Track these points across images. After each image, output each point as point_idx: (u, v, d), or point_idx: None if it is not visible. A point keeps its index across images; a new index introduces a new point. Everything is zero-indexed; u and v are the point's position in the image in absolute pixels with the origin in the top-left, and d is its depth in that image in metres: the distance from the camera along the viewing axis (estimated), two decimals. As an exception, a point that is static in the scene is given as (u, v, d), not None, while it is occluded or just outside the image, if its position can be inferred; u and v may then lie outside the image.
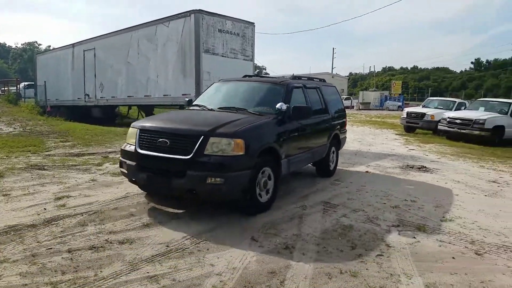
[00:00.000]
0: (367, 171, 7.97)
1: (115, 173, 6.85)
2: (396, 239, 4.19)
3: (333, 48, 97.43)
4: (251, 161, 4.57)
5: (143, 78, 14.08)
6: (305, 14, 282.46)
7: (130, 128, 5.14)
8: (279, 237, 4.14)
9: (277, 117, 5.41)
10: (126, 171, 5.00)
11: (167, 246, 3.83)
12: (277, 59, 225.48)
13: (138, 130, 4.89)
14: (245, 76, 7.24)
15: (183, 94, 12.16)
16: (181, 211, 4.94)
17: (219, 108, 5.81)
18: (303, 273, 3.32)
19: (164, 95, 13.18)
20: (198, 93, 11.61)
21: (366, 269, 3.45)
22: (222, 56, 12.16)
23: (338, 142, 7.78)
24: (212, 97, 6.46)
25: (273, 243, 3.98)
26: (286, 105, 5.55)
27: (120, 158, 5.15)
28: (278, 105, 5.43)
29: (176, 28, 12.45)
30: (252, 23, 12.97)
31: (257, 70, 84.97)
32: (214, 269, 3.36)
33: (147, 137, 4.77)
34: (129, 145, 5.02)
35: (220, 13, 12.15)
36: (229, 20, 12.25)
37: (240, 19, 12.69)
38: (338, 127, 7.65)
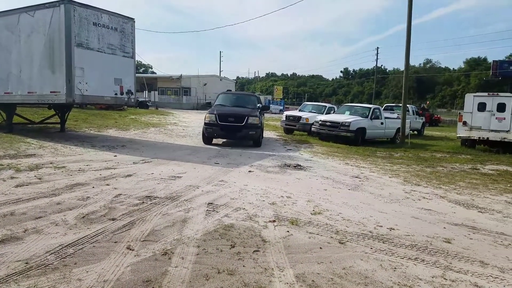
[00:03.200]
0: (249, 171, 8.29)
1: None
2: (272, 234, 4.42)
3: (220, 52, 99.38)
4: (260, 126, 12.61)
5: (3, 73, 12.18)
6: (191, 15, 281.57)
7: (209, 114, 12.32)
8: (158, 243, 3.99)
9: (259, 110, 13.41)
10: (211, 131, 12.25)
11: (27, 263, 3.37)
12: (164, 58, 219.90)
13: (216, 114, 12.08)
14: (228, 90, 17.65)
15: (51, 92, 10.89)
16: (44, 222, 4.39)
17: (234, 105, 13.61)
18: (180, 278, 3.25)
19: (28, 93, 11.59)
20: (70, 91, 10.58)
21: (243, 266, 3.56)
22: (98, 51, 11.25)
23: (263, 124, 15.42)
24: (225, 100, 14.11)
25: (151, 250, 3.81)
26: (261, 104, 14.47)
27: (206, 126, 12.32)
28: (258, 104, 13.91)
29: (42, 18, 11.08)
30: (132, 19, 12.31)
31: (142, 69, 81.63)
32: (82, 284, 3.06)
33: (222, 117, 12.08)
34: (211, 121, 12.15)
35: (95, 6, 11.24)
36: (105, 13, 11.39)
37: (118, 14, 11.92)
38: (264, 115, 16.01)
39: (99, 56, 11.29)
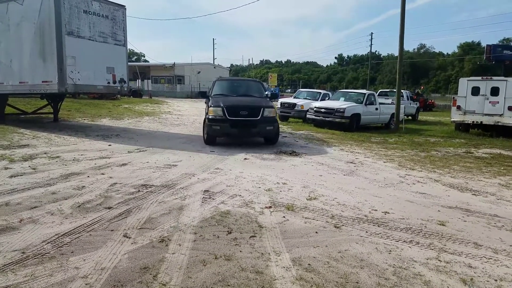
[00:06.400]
0: (245, 158, 8.29)
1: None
2: (268, 220, 4.45)
3: (213, 39, 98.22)
4: (276, 119, 10.40)
5: (-8, 63, 12.02)
6: (183, 2, 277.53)
7: (213, 108, 9.66)
8: (155, 231, 4.00)
9: (268, 98, 11.53)
10: (219, 129, 9.64)
11: (23, 252, 3.38)
12: (157, 46, 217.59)
13: (224, 107, 9.55)
14: (220, 77, 14.58)
15: (43, 81, 10.77)
16: (40, 212, 4.38)
17: (237, 95, 10.97)
18: (178, 264, 3.26)
19: (20, 83, 11.44)
20: (62, 80, 10.45)
21: (240, 251, 3.58)
22: (90, 39, 11.08)
23: None
24: (223, 89, 11.35)
25: (148, 237, 3.82)
26: (269, 92, 13.89)
27: (210, 123, 9.64)
28: (266, 92, 12.49)
29: (32, 6, 10.86)
30: (123, 6, 12.11)
31: (135, 57, 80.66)
32: (79, 272, 3.07)
33: (232, 110, 9.55)
34: (217, 116, 9.57)
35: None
36: (96, 1, 11.17)
37: (109, 1, 11.71)
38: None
39: (91, 44, 11.13)
